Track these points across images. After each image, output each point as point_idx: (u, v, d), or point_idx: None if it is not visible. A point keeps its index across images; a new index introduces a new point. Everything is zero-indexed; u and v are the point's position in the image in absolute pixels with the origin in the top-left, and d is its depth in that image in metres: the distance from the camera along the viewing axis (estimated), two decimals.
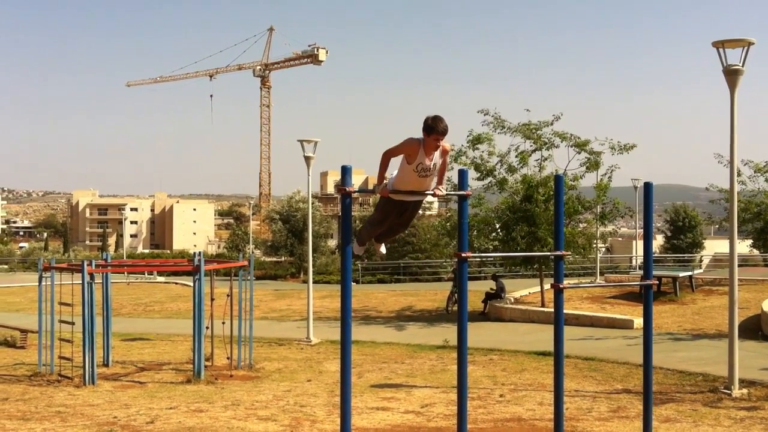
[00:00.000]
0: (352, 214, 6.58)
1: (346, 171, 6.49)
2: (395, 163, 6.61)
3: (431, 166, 6.48)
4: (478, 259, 37.06)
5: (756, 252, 31.97)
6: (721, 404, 10.19)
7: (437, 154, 6.48)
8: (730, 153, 11.71)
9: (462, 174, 7.25)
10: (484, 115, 21.54)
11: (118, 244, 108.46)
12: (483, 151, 21.59)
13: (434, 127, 6.31)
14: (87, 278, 12.77)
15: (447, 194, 7.24)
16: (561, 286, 7.41)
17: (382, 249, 7.74)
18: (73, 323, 13.07)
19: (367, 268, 40.97)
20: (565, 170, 21.58)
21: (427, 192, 6.92)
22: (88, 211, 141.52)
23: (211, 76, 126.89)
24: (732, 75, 11.37)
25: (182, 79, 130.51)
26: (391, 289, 32.65)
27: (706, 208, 31.24)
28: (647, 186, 8.25)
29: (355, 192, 6.57)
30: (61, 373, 13.38)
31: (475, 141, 21.40)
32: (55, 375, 13.55)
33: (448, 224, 25.02)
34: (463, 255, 6.87)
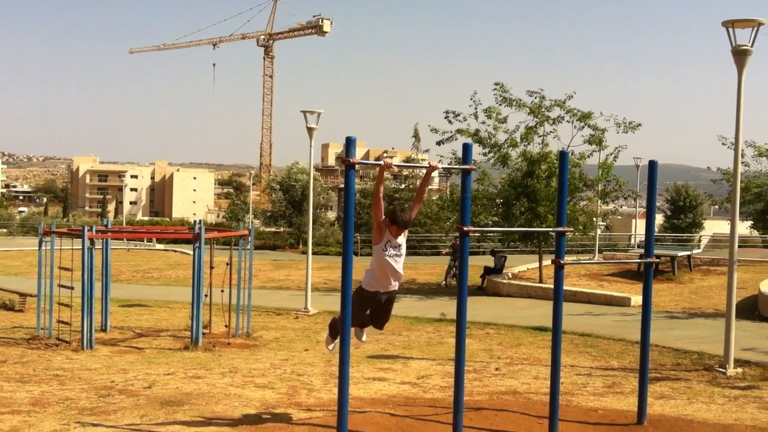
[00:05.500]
0: (355, 186, 6.58)
1: (350, 142, 6.49)
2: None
3: (400, 245, 7.30)
4: (478, 234, 37.11)
5: (755, 233, 31.98)
6: (716, 383, 10.24)
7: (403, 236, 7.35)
8: (735, 133, 11.66)
9: (466, 148, 7.24)
10: (498, 88, 21.33)
11: (118, 210, 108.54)
12: (489, 125, 21.47)
13: (399, 223, 7.20)
14: (87, 243, 12.76)
15: (450, 167, 7.34)
16: (562, 262, 7.43)
17: (363, 337, 8.34)
18: (72, 288, 13.09)
19: (365, 241, 41.01)
20: (569, 146, 21.50)
21: (427, 166, 7.35)
22: (88, 177, 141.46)
23: (214, 45, 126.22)
24: (740, 55, 11.29)
25: (186, 47, 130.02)
26: None
27: (707, 188, 31.23)
28: (652, 164, 8.24)
29: (358, 163, 6.57)
30: (60, 337, 13.42)
31: (488, 113, 21.21)
32: (53, 339, 13.58)
33: (452, 197, 24.99)
34: (465, 229, 6.88)
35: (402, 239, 7.34)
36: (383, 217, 7.19)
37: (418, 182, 53.66)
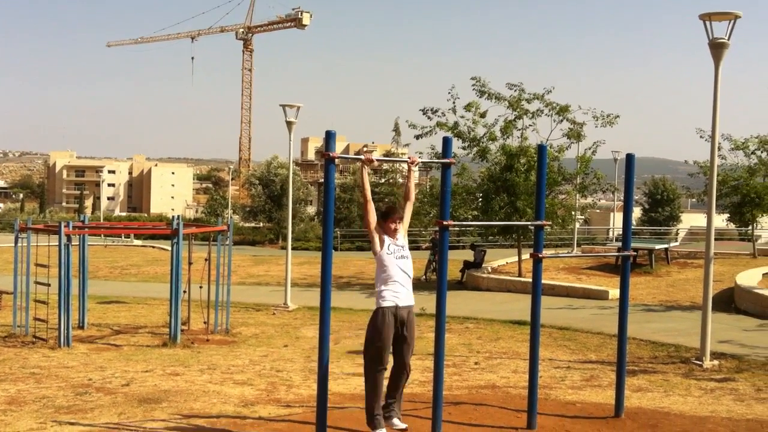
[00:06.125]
0: (334, 181, 6.56)
1: (330, 136, 6.46)
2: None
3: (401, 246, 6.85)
4: (458, 229, 37.19)
5: (732, 226, 32.29)
6: (692, 375, 10.33)
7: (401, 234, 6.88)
8: (711, 126, 11.75)
9: (446, 142, 7.24)
10: (476, 82, 21.34)
11: (95, 206, 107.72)
12: (468, 119, 21.48)
13: (388, 213, 6.83)
14: (64, 240, 12.64)
15: (430, 162, 7.30)
16: (540, 255, 7.46)
17: (399, 425, 6.89)
18: (48, 285, 12.97)
19: (345, 236, 41.01)
20: (548, 139, 21.57)
21: (403, 160, 7.12)
22: (65, 172, 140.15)
23: (193, 38, 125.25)
24: (717, 48, 11.36)
25: (164, 40, 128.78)
26: (369, 256, 32.59)
27: (684, 182, 31.49)
28: (629, 157, 8.28)
29: (338, 157, 6.55)
30: (36, 335, 13.30)
31: (468, 108, 21.21)
32: (30, 336, 13.46)
33: (431, 191, 25.01)
34: (444, 223, 6.89)
35: (403, 239, 6.89)
36: (375, 221, 6.75)
37: (399, 177, 53.83)
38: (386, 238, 6.77)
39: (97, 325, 15.09)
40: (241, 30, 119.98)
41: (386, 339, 6.66)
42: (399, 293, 6.74)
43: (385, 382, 6.90)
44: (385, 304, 6.69)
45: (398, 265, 6.75)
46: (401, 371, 6.89)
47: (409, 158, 7.25)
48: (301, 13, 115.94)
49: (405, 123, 22.71)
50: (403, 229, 6.95)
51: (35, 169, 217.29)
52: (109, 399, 8.67)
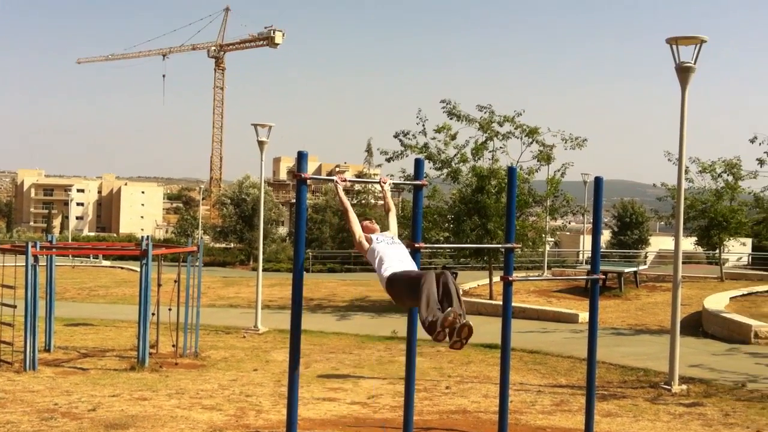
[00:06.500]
0: (306, 201, 6.54)
1: (302, 157, 6.45)
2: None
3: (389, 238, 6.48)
4: (429, 251, 37.22)
5: (700, 249, 32.68)
6: (661, 400, 10.41)
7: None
8: (678, 150, 11.92)
9: (418, 163, 7.28)
10: (446, 105, 21.47)
11: (63, 225, 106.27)
12: (439, 141, 21.58)
13: (368, 218, 6.89)
14: (31, 260, 12.46)
15: (402, 183, 7.26)
16: (510, 278, 7.48)
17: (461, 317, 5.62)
18: (14, 306, 12.74)
19: (317, 257, 40.87)
20: (518, 161, 21.73)
21: (375, 181, 6.97)
22: (33, 191, 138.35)
23: (164, 56, 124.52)
24: (684, 72, 11.55)
25: (134, 57, 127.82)
26: (341, 278, 32.61)
27: (653, 205, 31.78)
28: (597, 180, 8.35)
29: (310, 178, 6.54)
30: (1, 358, 13.05)
31: (439, 130, 21.33)
32: None
33: (403, 212, 25.03)
34: (416, 245, 6.90)
35: (389, 232, 6.63)
36: (358, 224, 6.50)
37: (371, 198, 53.87)
38: (372, 235, 6.46)
39: (64, 348, 14.85)
40: (213, 48, 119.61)
41: (409, 285, 5.85)
42: (405, 264, 6.22)
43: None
44: (396, 269, 6.10)
45: (392, 250, 6.29)
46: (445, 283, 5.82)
47: (380, 179, 7.22)
48: (274, 32, 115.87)
49: (377, 149, 22.85)
50: (391, 232, 6.65)
51: (2, 188, 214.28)
52: (75, 425, 8.53)
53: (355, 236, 6.46)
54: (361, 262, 40.60)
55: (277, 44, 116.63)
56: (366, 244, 6.38)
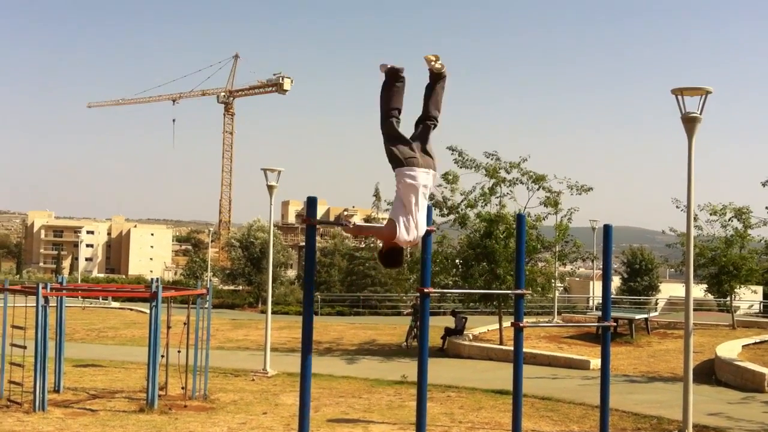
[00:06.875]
0: (316, 245, 6.60)
1: (311, 202, 6.54)
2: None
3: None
4: (438, 295, 37.15)
5: (710, 297, 32.50)
6: None
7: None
8: (687, 198, 11.96)
9: (428, 210, 7.33)
10: (452, 152, 21.67)
11: (73, 267, 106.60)
12: (446, 188, 21.74)
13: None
14: (41, 301, 12.51)
15: None
16: (521, 324, 7.49)
17: None
18: (24, 347, 12.78)
19: (326, 300, 40.81)
20: (526, 207, 21.81)
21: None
22: (43, 232, 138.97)
23: (174, 101, 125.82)
24: (690, 122, 11.65)
25: (145, 102, 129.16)
26: (350, 321, 32.53)
27: (662, 252, 31.77)
28: (607, 228, 8.40)
29: (319, 223, 6.61)
30: (11, 398, 13.05)
31: (450, 181, 21.55)
32: (4, 400, 13.20)
33: (411, 257, 25.07)
34: (425, 290, 6.93)
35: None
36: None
37: (379, 242, 53.94)
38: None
39: (73, 389, 14.82)
40: (223, 94, 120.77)
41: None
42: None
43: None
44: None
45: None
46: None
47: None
48: (282, 79, 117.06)
49: (384, 200, 23.07)
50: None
51: (13, 229, 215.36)
52: None
53: (386, 231, 6.10)
54: (369, 305, 40.54)
55: (286, 90, 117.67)
56: (393, 225, 6.05)
